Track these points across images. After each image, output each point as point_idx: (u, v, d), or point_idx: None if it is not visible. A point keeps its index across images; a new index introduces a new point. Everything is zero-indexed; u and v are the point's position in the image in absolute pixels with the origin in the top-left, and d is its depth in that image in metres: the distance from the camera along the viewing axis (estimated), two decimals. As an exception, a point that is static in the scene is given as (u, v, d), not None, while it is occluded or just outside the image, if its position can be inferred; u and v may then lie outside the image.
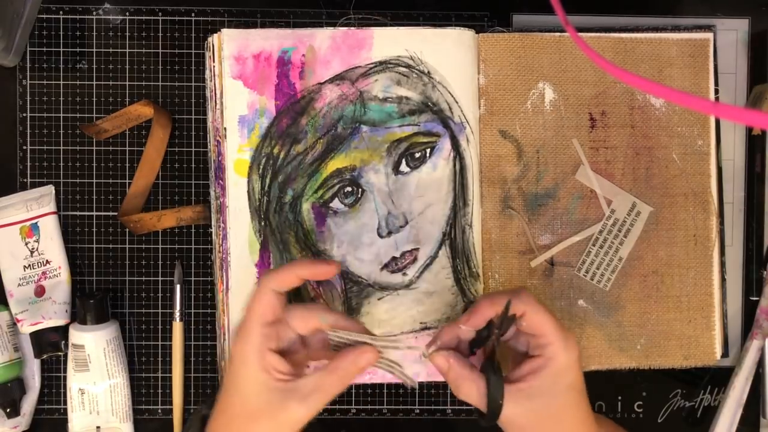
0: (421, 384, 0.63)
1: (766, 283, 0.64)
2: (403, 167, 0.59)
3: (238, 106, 0.58)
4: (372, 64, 0.59)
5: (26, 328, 0.60)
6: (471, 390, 0.48)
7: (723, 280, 0.62)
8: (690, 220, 0.62)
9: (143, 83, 0.62)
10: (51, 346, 0.60)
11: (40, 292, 0.61)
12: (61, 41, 0.62)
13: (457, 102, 0.60)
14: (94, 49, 0.62)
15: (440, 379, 0.51)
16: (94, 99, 0.62)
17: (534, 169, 0.61)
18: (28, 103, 0.62)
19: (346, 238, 0.59)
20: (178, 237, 0.63)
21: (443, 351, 0.49)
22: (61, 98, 0.62)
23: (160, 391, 0.63)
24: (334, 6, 0.63)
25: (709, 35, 0.62)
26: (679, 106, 0.61)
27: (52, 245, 0.61)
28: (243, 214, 0.59)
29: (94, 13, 0.62)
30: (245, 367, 0.47)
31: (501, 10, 0.63)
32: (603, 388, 0.64)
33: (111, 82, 0.62)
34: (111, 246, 0.62)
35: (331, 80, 0.59)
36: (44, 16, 0.62)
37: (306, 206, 0.59)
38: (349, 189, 0.59)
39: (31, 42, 0.62)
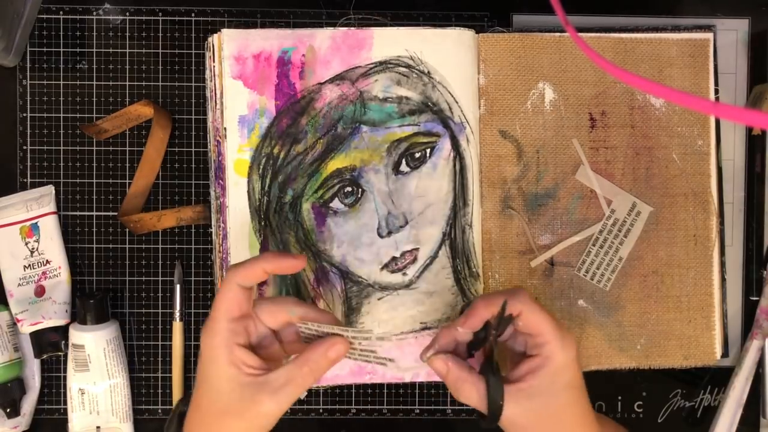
0: (421, 384, 0.63)
1: (766, 283, 0.64)
2: (403, 167, 0.59)
3: (238, 106, 0.58)
4: (372, 64, 0.59)
5: (26, 328, 0.60)
6: (471, 392, 0.48)
7: (723, 280, 0.62)
8: (690, 220, 0.62)
9: (143, 83, 0.62)
10: (51, 346, 0.60)
11: (40, 292, 0.61)
12: (61, 41, 0.62)
13: (457, 102, 0.60)
14: (94, 49, 0.62)
15: (440, 379, 0.51)
16: (94, 99, 0.62)
17: (534, 169, 0.61)
18: (28, 103, 0.62)
19: (346, 238, 0.59)
20: (178, 237, 0.63)
21: (441, 354, 0.49)
22: (61, 98, 0.62)
23: (160, 391, 0.63)
24: (334, 6, 0.63)
25: (709, 35, 0.62)
26: (679, 106, 0.61)
27: (52, 245, 0.61)
28: (243, 214, 0.59)
29: (94, 13, 0.62)
30: (214, 362, 0.46)
31: (501, 10, 0.63)
32: (603, 388, 0.64)
33: (111, 82, 0.62)
34: (111, 246, 0.62)
35: (331, 80, 0.59)
36: (44, 16, 0.62)
37: (306, 206, 0.59)
38: (349, 189, 0.59)
39: (31, 42, 0.62)
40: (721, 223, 0.62)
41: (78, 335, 0.59)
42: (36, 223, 0.61)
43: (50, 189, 0.62)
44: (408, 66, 0.59)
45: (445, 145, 0.60)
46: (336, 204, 0.59)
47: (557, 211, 0.61)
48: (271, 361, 0.48)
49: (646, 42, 0.61)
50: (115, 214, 0.62)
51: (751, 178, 0.64)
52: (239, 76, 0.58)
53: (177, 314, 0.62)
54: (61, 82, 0.62)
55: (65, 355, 0.61)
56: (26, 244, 0.61)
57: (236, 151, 0.59)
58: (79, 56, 0.62)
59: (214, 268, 0.61)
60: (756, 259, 0.64)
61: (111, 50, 0.62)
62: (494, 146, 0.61)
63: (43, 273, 0.61)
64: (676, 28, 0.62)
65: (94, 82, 0.62)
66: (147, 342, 0.63)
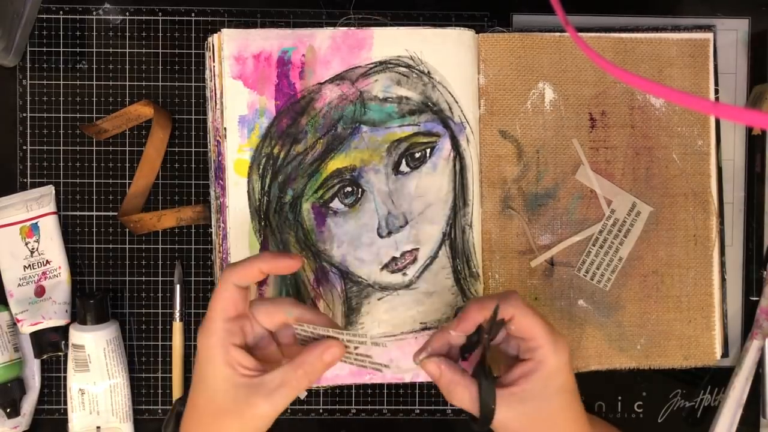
0: (421, 384, 0.63)
1: (766, 283, 0.64)
2: (403, 167, 0.59)
3: (238, 106, 0.58)
4: (372, 64, 0.59)
5: (26, 328, 0.60)
6: (463, 395, 0.48)
7: (723, 280, 0.62)
8: (690, 220, 0.62)
9: (143, 83, 0.62)
10: (51, 346, 0.60)
11: (40, 292, 0.61)
12: (61, 41, 0.62)
13: (457, 102, 0.60)
14: (94, 49, 0.62)
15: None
16: (94, 99, 0.62)
17: (534, 169, 0.61)
18: (28, 103, 0.62)
19: (346, 238, 0.59)
20: (178, 237, 0.63)
21: (434, 357, 0.49)
22: (61, 98, 0.62)
23: (160, 391, 0.63)
24: (334, 6, 0.63)
25: (709, 35, 0.62)
26: (679, 106, 0.61)
27: (52, 245, 0.61)
28: (243, 214, 0.59)
29: (94, 13, 0.62)
30: (210, 363, 0.46)
31: (501, 10, 0.63)
32: (603, 388, 0.64)
33: (111, 82, 0.62)
34: (111, 246, 0.62)
35: (331, 80, 0.59)
36: (44, 16, 0.62)
37: (306, 206, 0.59)
38: (349, 189, 0.59)
39: (31, 42, 0.62)
40: (721, 223, 0.62)
41: (78, 335, 0.59)
42: (36, 223, 0.61)
43: (50, 189, 0.62)
44: (408, 66, 0.59)
45: (445, 145, 0.60)
46: (336, 204, 0.59)
47: (557, 211, 0.61)
48: (269, 363, 0.48)
49: (646, 42, 0.61)
50: (115, 214, 0.62)
51: (751, 178, 0.64)
52: (239, 76, 0.58)
53: (177, 314, 0.62)
54: (61, 82, 0.62)
55: (65, 355, 0.61)
56: (26, 244, 0.61)
57: (236, 151, 0.59)
58: (79, 56, 0.62)
59: (214, 268, 0.61)
60: (756, 259, 0.64)
61: (111, 50, 0.62)
62: (494, 146, 0.61)
63: (43, 273, 0.61)
64: (676, 28, 0.62)
65: (94, 82, 0.62)
66: (147, 342, 0.63)
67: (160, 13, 0.62)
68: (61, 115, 0.62)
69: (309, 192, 0.59)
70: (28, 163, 0.62)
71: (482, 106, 0.61)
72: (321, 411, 0.63)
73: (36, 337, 0.60)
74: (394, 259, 0.59)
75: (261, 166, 0.59)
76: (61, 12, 0.62)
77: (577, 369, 0.61)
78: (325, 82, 0.59)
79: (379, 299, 0.60)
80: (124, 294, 0.63)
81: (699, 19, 0.63)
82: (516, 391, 0.48)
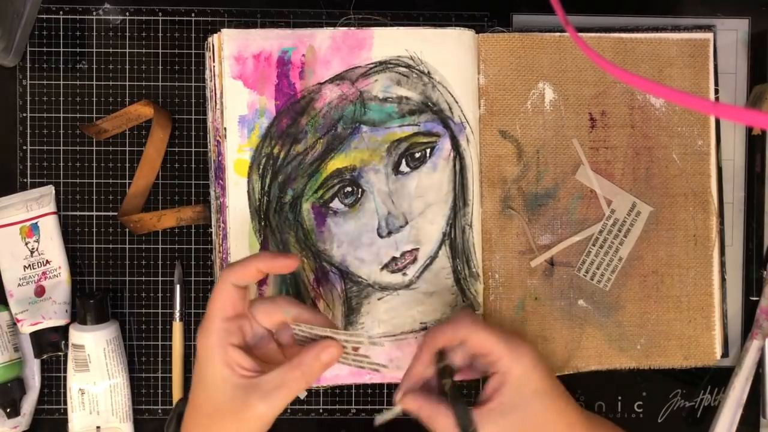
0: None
1: (766, 283, 0.64)
2: (403, 167, 0.59)
3: (238, 106, 0.58)
4: (372, 64, 0.59)
5: (26, 328, 0.60)
6: (445, 423, 0.48)
7: (723, 280, 0.62)
8: (690, 220, 0.62)
9: (143, 83, 0.62)
10: (51, 346, 0.60)
11: (40, 292, 0.61)
12: (61, 41, 0.62)
13: (457, 102, 0.60)
14: (94, 49, 0.62)
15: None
16: (94, 99, 0.62)
17: (534, 169, 0.61)
18: (28, 103, 0.62)
19: (346, 238, 0.59)
20: (178, 237, 0.63)
21: (410, 394, 0.50)
22: (61, 98, 0.62)
23: (160, 391, 0.63)
24: (334, 6, 0.63)
25: (709, 35, 0.62)
26: (679, 106, 0.61)
27: (52, 245, 0.61)
28: (243, 214, 0.59)
29: (94, 13, 0.62)
30: (209, 362, 0.46)
31: (501, 10, 0.63)
32: (603, 388, 0.64)
33: (111, 82, 0.62)
34: (111, 246, 0.62)
35: (331, 80, 0.59)
36: (44, 16, 0.62)
37: (306, 206, 0.59)
38: (349, 189, 0.59)
39: (31, 42, 0.62)
40: (721, 223, 0.62)
41: (78, 335, 0.59)
42: (36, 223, 0.61)
43: (50, 189, 0.62)
44: (408, 66, 0.59)
45: (445, 145, 0.60)
46: (336, 204, 0.59)
47: (557, 211, 0.61)
48: (268, 363, 0.48)
49: (646, 42, 0.61)
50: (115, 214, 0.62)
51: (751, 178, 0.64)
52: (239, 76, 0.58)
53: (177, 314, 0.62)
54: (61, 82, 0.62)
55: (65, 355, 0.61)
56: (26, 244, 0.61)
57: (236, 151, 0.59)
58: (79, 56, 0.62)
59: (214, 268, 0.61)
60: (756, 259, 0.64)
61: (111, 50, 0.62)
62: (494, 146, 0.61)
63: (43, 273, 0.61)
64: (676, 28, 0.62)
65: (94, 82, 0.62)
66: (147, 342, 0.63)
67: (160, 13, 0.62)
68: (61, 115, 0.62)
69: (309, 192, 0.59)
70: (28, 163, 0.62)
71: (482, 106, 0.61)
72: (321, 411, 0.63)
73: (36, 337, 0.60)
74: (394, 259, 0.59)
75: (261, 166, 0.59)
76: (61, 12, 0.62)
77: (577, 369, 0.61)
78: (325, 82, 0.59)
79: (379, 299, 0.60)
80: (124, 294, 0.62)
81: (699, 19, 0.63)
82: (493, 407, 0.48)
